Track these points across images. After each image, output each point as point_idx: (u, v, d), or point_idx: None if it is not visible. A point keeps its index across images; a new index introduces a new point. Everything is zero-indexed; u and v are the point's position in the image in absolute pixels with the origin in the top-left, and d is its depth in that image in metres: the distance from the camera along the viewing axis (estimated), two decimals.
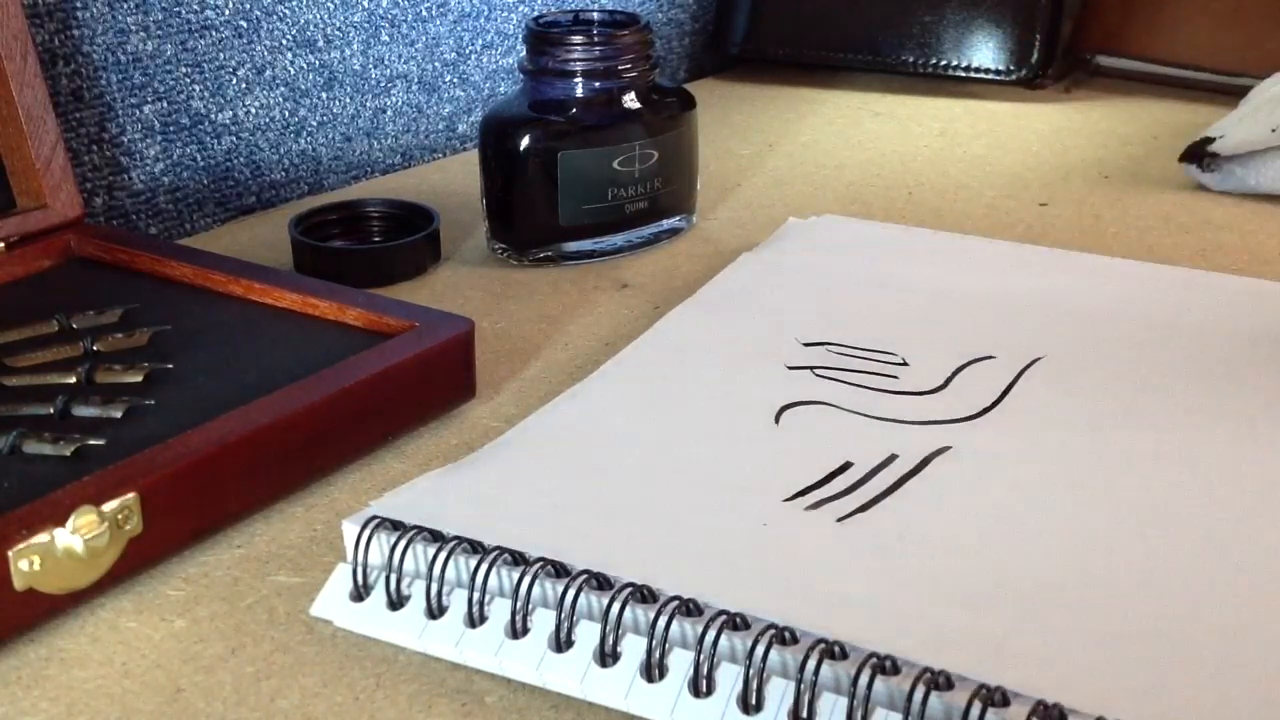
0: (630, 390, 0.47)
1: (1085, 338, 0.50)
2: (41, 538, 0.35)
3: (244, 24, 0.67)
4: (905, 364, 0.48)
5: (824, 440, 0.43)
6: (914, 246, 0.60)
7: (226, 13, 0.66)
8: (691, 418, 0.44)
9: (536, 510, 0.39)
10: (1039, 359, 0.48)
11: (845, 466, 0.41)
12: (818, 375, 0.47)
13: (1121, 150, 0.77)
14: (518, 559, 0.35)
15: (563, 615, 0.34)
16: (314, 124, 0.71)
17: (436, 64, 0.77)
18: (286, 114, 0.70)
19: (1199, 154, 0.69)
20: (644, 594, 0.34)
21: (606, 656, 0.33)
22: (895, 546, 0.37)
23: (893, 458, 0.42)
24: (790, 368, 0.48)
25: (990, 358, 0.48)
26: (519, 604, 0.34)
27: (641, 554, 0.36)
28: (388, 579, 0.36)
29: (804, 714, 0.31)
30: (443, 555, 0.35)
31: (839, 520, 0.38)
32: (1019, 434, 0.43)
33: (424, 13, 0.75)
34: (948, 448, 0.42)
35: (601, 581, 0.35)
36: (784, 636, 0.32)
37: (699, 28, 0.95)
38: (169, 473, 0.38)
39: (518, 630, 0.34)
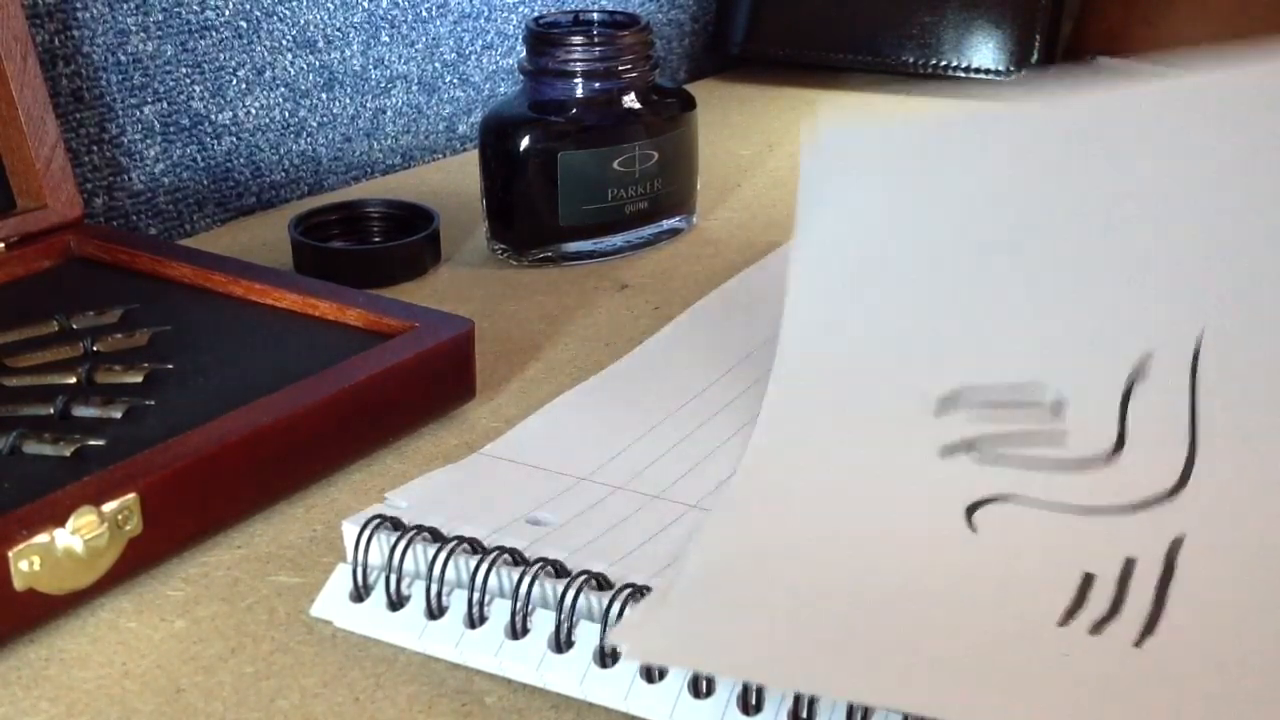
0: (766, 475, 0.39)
1: (1251, 269, 0.38)
2: (41, 538, 0.35)
3: (244, 25, 0.67)
4: (1060, 406, 0.39)
5: (1039, 548, 0.36)
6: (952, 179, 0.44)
7: (226, 13, 0.66)
8: (850, 507, 0.38)
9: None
10: (1201, 336, 0.38)
11: (1089, 579, 0.35)
12: (980, 464, 0.38)
13: None
14: (518, 559, 0.35)
15: (563, 615, 0.34)
16: (314, 124, 0.71)
17: (436, 64, 0.77)
18: (286, 114, 0.70)
19: None
20: (643, 594, 0.34)
21: (606, 657, 0.33)
22: (1213, 669, 0.31)
23: (1131, 564, 0.35)
24: (945, 450, 0.39)
25: (1148, 359, 0.38)
26: (519, 604, 0.34)
27: (913, 681, 0.31)
28: (388, 579, 0.36)
29: (804, 715, 0.31)
30: (443, 555, 0.35)
31: (1135, 645, 0.32)
32: (1242, 481, 0.36)
33: (424, 13, 0.75)
34: (1181, 538, 0.35)
35: (601, 582, 0.35)
36: None
37: (699, 28, 0.95)
38: (169, 473, 0.38)
39: (518, 630, 0.34)
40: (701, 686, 0.32)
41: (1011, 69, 0.86)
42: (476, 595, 0.35)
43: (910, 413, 0.40)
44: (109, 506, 0.37)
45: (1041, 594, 0.34)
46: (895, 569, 0.36)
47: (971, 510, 0.37)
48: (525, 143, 0.58)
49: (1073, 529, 0.36)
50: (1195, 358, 0.38)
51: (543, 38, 0.59)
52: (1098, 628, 0.33)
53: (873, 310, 0.42)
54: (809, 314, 0.42)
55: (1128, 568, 0.35)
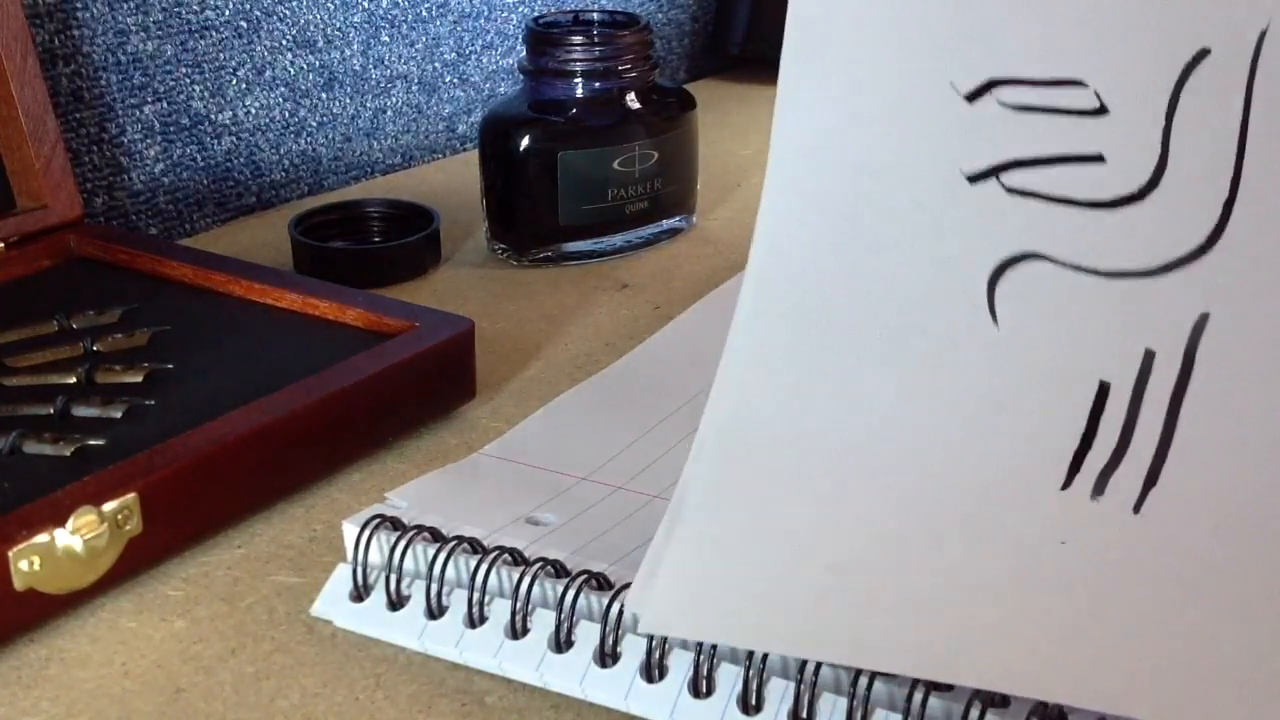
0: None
1: None
2: (41, 538, 0.35)
3: (244, 24, 0.67)
4: (1102, 109, 0.33)
5: (1061, 343, 0.32)
6: None
7: (226, 13, 0.66)
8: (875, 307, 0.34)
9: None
10: (1266, 31, 0.32)
11: (1104, 393, 0.31)
12: (1011, 192, 0.33)
13: None
14: (517, 559, 0.35)
15: (563, 615, 0.34)
16: (314, 124, 0.71)
17: (436, 64, 0.77)
18: (286, 114, 0.70)
19: None
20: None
21: (606, 656, 0.33)
22: (1222, 545, 0.29)
23: (1150, 358, 0.31)
24: (974, 175, 0.34)
25: (1202, 57, 0.32)
26: (519, 604, 0.34)
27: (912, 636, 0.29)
28: (388, 579, 0.36)
29: (804, 714, 0.31)
30: (443, 555, 0.35)
31: (1135, 510, 0.30)
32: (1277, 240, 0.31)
33: (424, 13, 0.75)
34: (1205, 318, 0.31)
35: (601, 582, 0.35)
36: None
37: (699, 28, 0.95)
38: (169, 473, 0.38)
39: (518, 630, 0.34)
40: (701, 686, 0.32)
41: None
42: (476, 595, 0.35)
43: (939, 104, 0.34)
44: (109, 506, 0.37)
45: (1050, 431, 0.32)
46: (880, 383, 0.33)
47: (995, 281, 0.33)
48: (525, 143, 0.58)
49: (1093, 307, 0.32)
50: (1255, 58, 0.32)
51: (543, 38, 0.59)
52: (1100, 484, 0.31)
53: None
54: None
55: (1146, 366, 0.32)
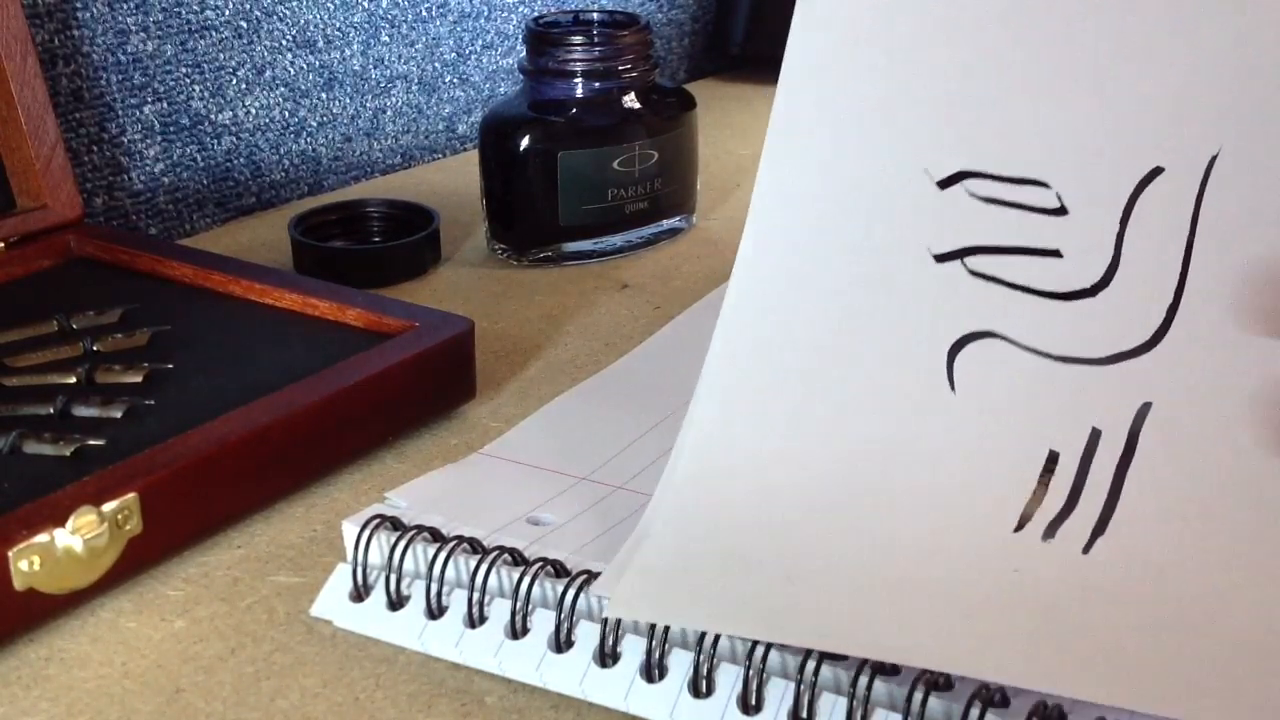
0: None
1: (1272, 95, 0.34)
2: (41, 538, 0.35)
3: (244, 24, 0.67)
4: (1062, 210, 0.35)
5: (1013, 414, 0.35)
6: None
7: (226, 13, 0.66)
8: (837, 354, 0.36)
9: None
10: (1216, 157, 0.34)
11: (1053, 460, 0.34)
12: (974, 274, 0.36)
13: None
14: (517, 559, 0.35)
15: (563, 615, 0.34)
16: (314, 124, 0.71)
17: (436, 64, 0.77)
18: (286, 114, 0.70)
19: None
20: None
21: (606, 657, 0.33)
22: (1167, 584, 0.31)
23: (1097, 436, 0.34)
24: (941, 255, 0.36)
25: (1156, 174, 0.35)
26: (519, 604, 0.34)
27: (866, 621, 0.31)
28: (388, 579, 0.36)
29: (804, 714, 0.31)
30: (443, 555, 0.35)
31: (1084, 552, 0.32)
32: (1218, 337, 0.33)
33: (424, 13, 0.75)
34: (1148, 406, 0.34)
35: None
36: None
37: (699, 28, 0.95)
38: (169, 473, 0.38)
39: (518, 630, 0.34)
40: (701, 686, 0.32)
41: None
42: (476, 595, 0.35)
43: (913, 187, 0.37)
44: (109, 506, 0.37)
45: (1004, 486, 0.34)
46: (868, 464, 0.35)
47: (954, 353, 0.36)
48: (525, 143, 0.58)
49: (1045, 385, 0.35)
50: (1204, 180, 0.34)
51: (543, 38, 0.59)
52: (1051, 530, 0.33)
53: (876, 79, 0.38)
54: (806, 79, 0.39)
55: (1093, 441, 0.34)
